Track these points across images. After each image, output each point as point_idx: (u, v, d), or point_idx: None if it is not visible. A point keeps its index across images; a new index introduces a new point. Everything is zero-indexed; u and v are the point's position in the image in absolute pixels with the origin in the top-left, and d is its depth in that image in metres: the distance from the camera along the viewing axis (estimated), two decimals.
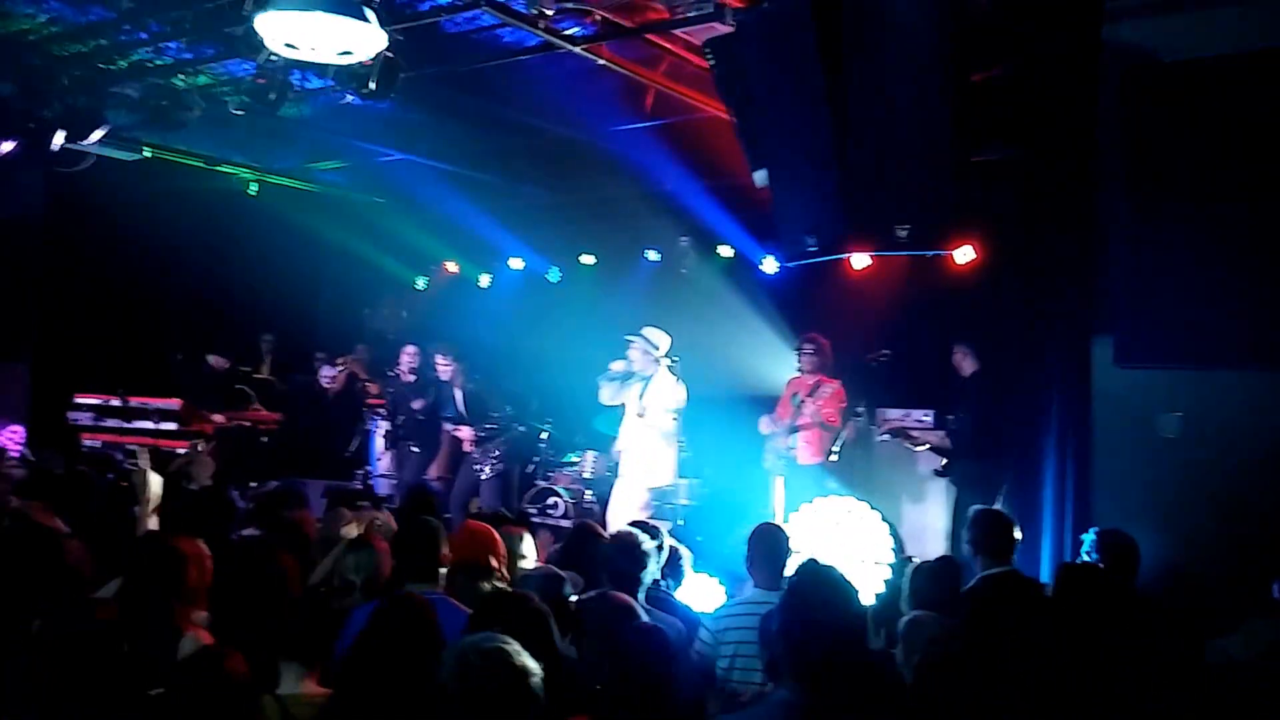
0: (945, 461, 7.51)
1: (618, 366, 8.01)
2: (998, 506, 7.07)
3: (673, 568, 5.01)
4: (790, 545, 4.89)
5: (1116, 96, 5.97)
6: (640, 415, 7.99)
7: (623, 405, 8.16)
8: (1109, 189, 6.11)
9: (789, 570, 5.00)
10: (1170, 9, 5.95)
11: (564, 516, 9.21)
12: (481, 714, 2.43)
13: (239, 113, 7.48)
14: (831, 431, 7.87)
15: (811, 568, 2.80)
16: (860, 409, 7.95)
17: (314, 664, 3.30)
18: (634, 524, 5.11)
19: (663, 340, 8.03)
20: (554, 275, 12.04)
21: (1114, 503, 5.96)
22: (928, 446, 7.75)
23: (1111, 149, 6.03)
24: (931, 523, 7.68)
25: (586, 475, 9.67)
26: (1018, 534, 5.01)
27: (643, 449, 7.99)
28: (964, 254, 7.75)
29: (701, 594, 5.43)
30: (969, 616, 4.31)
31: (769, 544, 4.79)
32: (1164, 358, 5.78)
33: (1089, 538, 5.20)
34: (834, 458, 7.73)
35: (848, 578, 2.74)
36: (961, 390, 7.56)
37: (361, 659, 3.15)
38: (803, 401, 7.97)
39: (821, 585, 2.72)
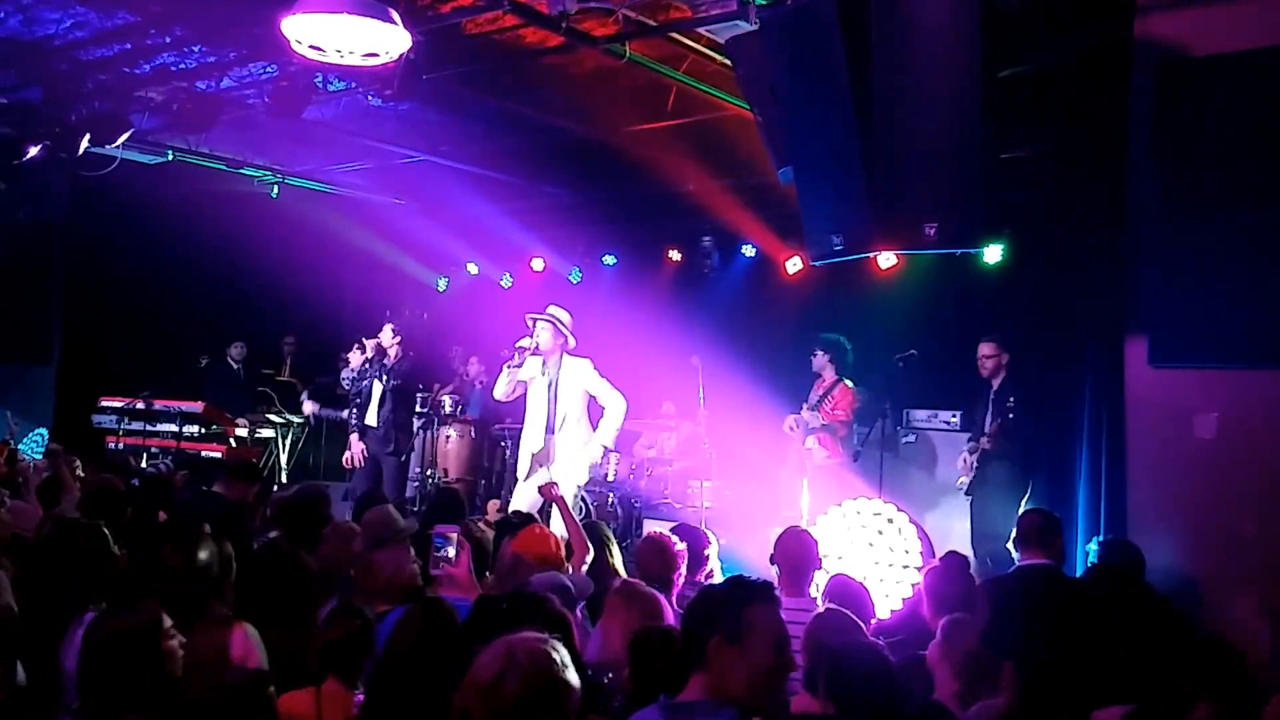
0: (970, 478, 7.37)
1: (526, 344, 7.25)
2: (1021, 510, 7.03)
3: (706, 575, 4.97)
4: (818, 552, 4.83)
5: (1148, 91, 5.87)
6: (553, 409, 7.26)
7: (523, 400, 7.49)
8: (1141, 185, 5.99)
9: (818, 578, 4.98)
10: (1203, 1, 5.85)
11: (586, 519, 9.14)
12: (518, 713, 2.38)
13: (262, 115, 7.48)
14: (834, 433, 7.82)
15: None
16: (886, 409, 7.88)
17: (348, 669, 3.29)
18: (680, 527, 5.08)
19: (568, 319, 7.39)
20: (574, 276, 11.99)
21: (1148, 505, 5.85)
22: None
23: (1144, 144, 5.93)
24: (960, 524, 7.58)
25: (610, 478, 9.62)
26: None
27: (564, 446, 7.26)
28: (993, 252, 7.68)
29: None
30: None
31: (795, 550, 4.72)
32: (1200, 356, 5.65)
33: (1092, 547, 5.17)
34: (855, 459, 7.68)
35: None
36: (991, 393, 7.44)
37: (390, 664, 3.13)
38: (819, 402, 7.96)
39: None
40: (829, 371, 8.06)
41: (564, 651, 2.44)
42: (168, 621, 2.91)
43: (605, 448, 7.34)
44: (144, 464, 9.70)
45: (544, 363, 7.30)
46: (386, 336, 8.81)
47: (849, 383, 8.03)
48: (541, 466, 7.24)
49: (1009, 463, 7.06)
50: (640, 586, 3.88)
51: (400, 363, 8.78)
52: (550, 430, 7.29)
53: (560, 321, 7.29)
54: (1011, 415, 6.92)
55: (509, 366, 7.31)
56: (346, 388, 9.05)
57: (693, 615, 2.76)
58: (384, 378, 8.73)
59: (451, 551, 4.06)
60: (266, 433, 10.88)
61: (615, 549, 5.05)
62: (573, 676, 2.40)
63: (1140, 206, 5.98)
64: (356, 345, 9.05)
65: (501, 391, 7.44)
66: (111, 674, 2.82)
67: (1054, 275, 7.56)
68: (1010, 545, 5.01)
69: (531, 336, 7.26)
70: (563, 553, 4.43)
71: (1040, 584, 4.55)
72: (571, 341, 7.35)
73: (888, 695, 3.05)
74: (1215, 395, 5.67)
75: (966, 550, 7.31)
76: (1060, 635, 3.37)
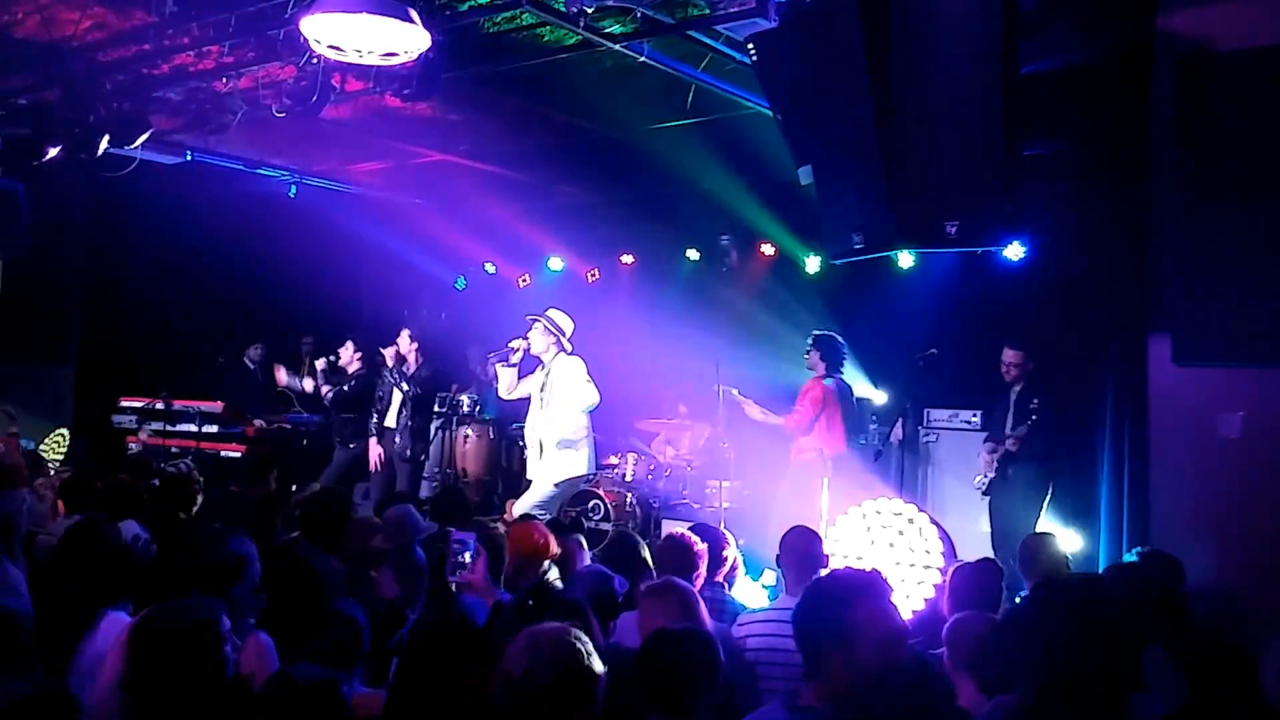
0: (989, 478, 7.32)
1: (516, 344, 7.60)
2: (1042, 511, 6.97)
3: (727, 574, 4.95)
4: (823, 550, 4.82)
5: (1171, 87, 5.81)
6: (542, 408, 7.59)
7: (527, 396, 7.76)
8: (1164, 182, 5.94)
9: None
10: None
11: (604, 519, 9.12)
12: (546, 703, 2.40)
13: (280, 115, 7.49)
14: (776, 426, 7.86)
15: None
16: (906, 408, 7.84)
17: (367, 667, 3.29)
18: (697, 526, 5.07)
19: (567, 324, 7.68)
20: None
21: (1172, 506, 5.80)
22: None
23: (1166, 141, 5.88)
24: (980, 524, 7.54)
25: (628, 478, 9.59)
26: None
27: (549, 444, 7.53)
28: (1014, 250, 7.62)
29: (748, 600, 5.35)
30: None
31: (800, 549, 4.69)
32: (1224, 355, 5.60)
33: (1131, 559, 5.12)
34: (876, 459, 7.65)
35: None
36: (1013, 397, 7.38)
37: (409, 665, 3.14)
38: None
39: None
40: (820, 369, 7.99)
41: (586, 640, 2.47)
42: (226, 624, 2.87)
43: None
44: (142, 446, 9.74)
45: (541, 362, 7.67)
46: (404, 343, 8.94)
47: (828, 382, 7.93)
48: (539, 456, 7.60)
49: (1033, 465, 7.01)
50: (673, 580, 3.87)
51: (420, 370, 8.89)
52: (541, 424, 7.63)
53: (553, 322, 7.61)
54: (1035, 418, 6.87)
55: (499, 365, 7.71)
56: (322, 384, 9.29)
57: (803, 620, 2.65)
58: (404, 385, 8.81)
59: (468, 558, 4.06)
60: None
61: (645, 550, 5.08)
62: (596, 663, 2.45)
63: (1163, 204, 5.93)
64: (350, 342, 9.21)
65: (504, 388, 7.79)
66: (165, 670, 2.72)
67: (1076, 273, 7.50)
68: None
69: (525, 337, 7.63)
70: (551, 546, 4.54)
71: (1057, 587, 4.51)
72: (567, 345, 7.65)
73: (930, 697, 3.01)
74: (1240, 394, 5.62)
75: (986, 550, 7.29)
76: (1077, 636, 3.34)
